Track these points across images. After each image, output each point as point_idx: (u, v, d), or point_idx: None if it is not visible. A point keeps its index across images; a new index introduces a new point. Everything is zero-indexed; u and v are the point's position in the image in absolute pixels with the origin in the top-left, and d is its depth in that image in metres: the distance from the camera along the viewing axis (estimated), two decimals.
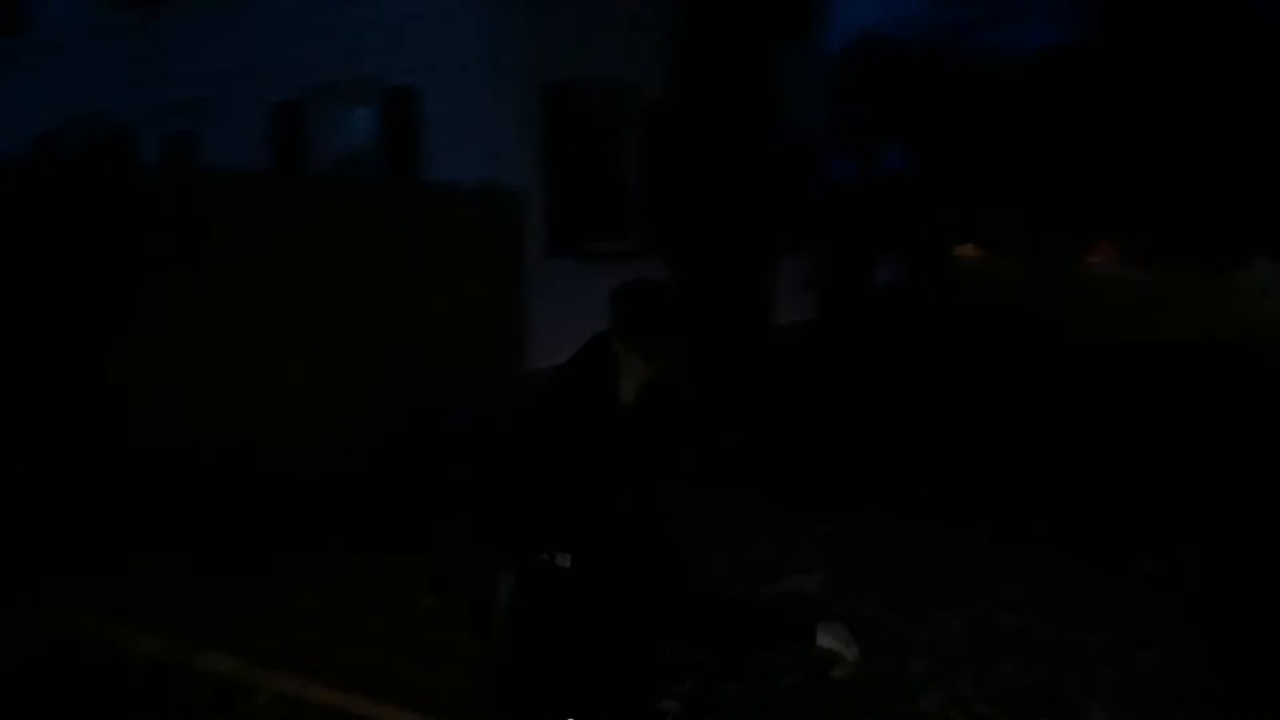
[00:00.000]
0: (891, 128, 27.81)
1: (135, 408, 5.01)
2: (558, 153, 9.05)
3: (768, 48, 10.85)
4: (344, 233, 6.46)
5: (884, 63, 26.79)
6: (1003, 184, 25.01)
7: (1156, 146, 21.44)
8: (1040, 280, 23.48)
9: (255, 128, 9.81)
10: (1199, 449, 6.66)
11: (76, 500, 4.47)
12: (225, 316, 5.62)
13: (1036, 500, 5.21)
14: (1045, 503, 5.15)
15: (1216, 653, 3.42)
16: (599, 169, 9.81)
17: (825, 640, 3.19)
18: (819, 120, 14.75)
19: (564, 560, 2.83)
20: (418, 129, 8.99)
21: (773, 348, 10.50)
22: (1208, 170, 20.83)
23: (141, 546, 4.23)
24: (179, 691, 3.04)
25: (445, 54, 8.78)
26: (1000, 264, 27.73)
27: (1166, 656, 3.37)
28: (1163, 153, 21.19)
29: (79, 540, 4.12)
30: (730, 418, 7.82)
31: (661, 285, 3.86)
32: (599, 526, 2.89)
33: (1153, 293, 21.10)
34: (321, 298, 6.19)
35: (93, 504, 4.45)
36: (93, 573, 3.99)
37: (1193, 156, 20.51)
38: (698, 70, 10.48)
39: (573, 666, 2.72)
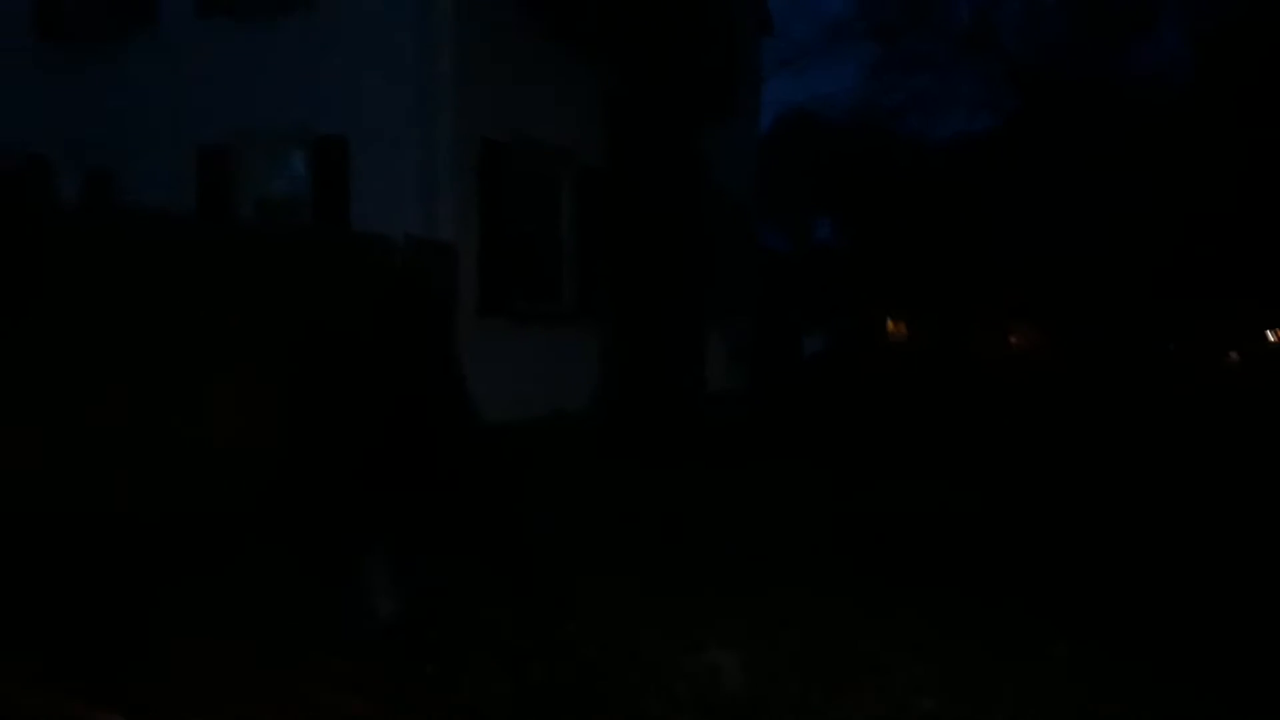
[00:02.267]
0: (819, 203, 28.65)
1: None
2: (491, 212, 9.03)
3: (698, 122, 11.15)
4: (263, 278, 6.31)
5: (813, 140, 27.67)
6: (920, 265, 25.77)
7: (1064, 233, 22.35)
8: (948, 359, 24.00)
9: (181, 168, 9.59)
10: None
11: None
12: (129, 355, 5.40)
13: (949, 577, 5.24)
14: (958, 581, 5.18)
15: None
16: (532, 230, 9.83)
17: None
18: (749, 193, 15.11)
19: None
20: (347, 179, 8.89)
21: (703, 413, 10.60)
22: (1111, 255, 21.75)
23: None
24: None
25: (378, 105, 8.76)
26: (916, 342, 28.49)
27: None
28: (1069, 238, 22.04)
29: None
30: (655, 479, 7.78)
31: None
32: None
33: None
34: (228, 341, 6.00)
35: None
36: None
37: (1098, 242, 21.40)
38: (629, 140, 10.71)
39: None
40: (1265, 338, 25.83)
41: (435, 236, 8.21)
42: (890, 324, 29.79)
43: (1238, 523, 6.78)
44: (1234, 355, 25.63)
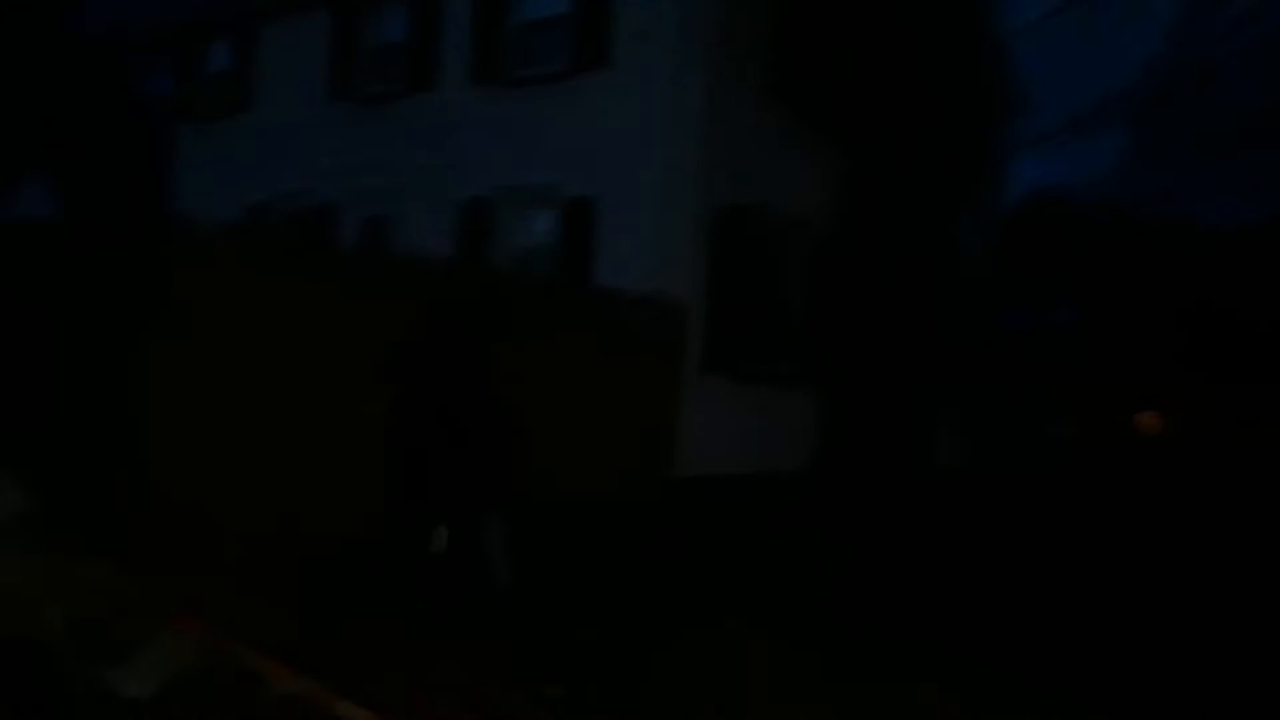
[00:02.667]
0: (1066, 285, 27.07)
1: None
2: (723, 273, 9.21)
3: (943, 198, 10.92)
4: (517, 325, 6.70)
5: (1065, 220, 26.26)
6: (1177, 353, 23.76)
7: None
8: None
9: (444, 219, 10.45)
10: None
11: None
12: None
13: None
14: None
15: None
16: (761, 293, 9.91)
17: None
18: (992, 270, 14.52)
19: None
20: (592, 237, 9.35)
21: (927, 487, 10.18)
22: None
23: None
24: None
25: (627, 170, 9.17)
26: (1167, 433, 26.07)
27: None
28: None
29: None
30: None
31: None
32: None
33: None
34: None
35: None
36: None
37: None
38: (869, 213, 10.64)
39: None
40: None
41: (668, 294, 8.46)
42: (1143, 415, 27.51)
43: None
44: None
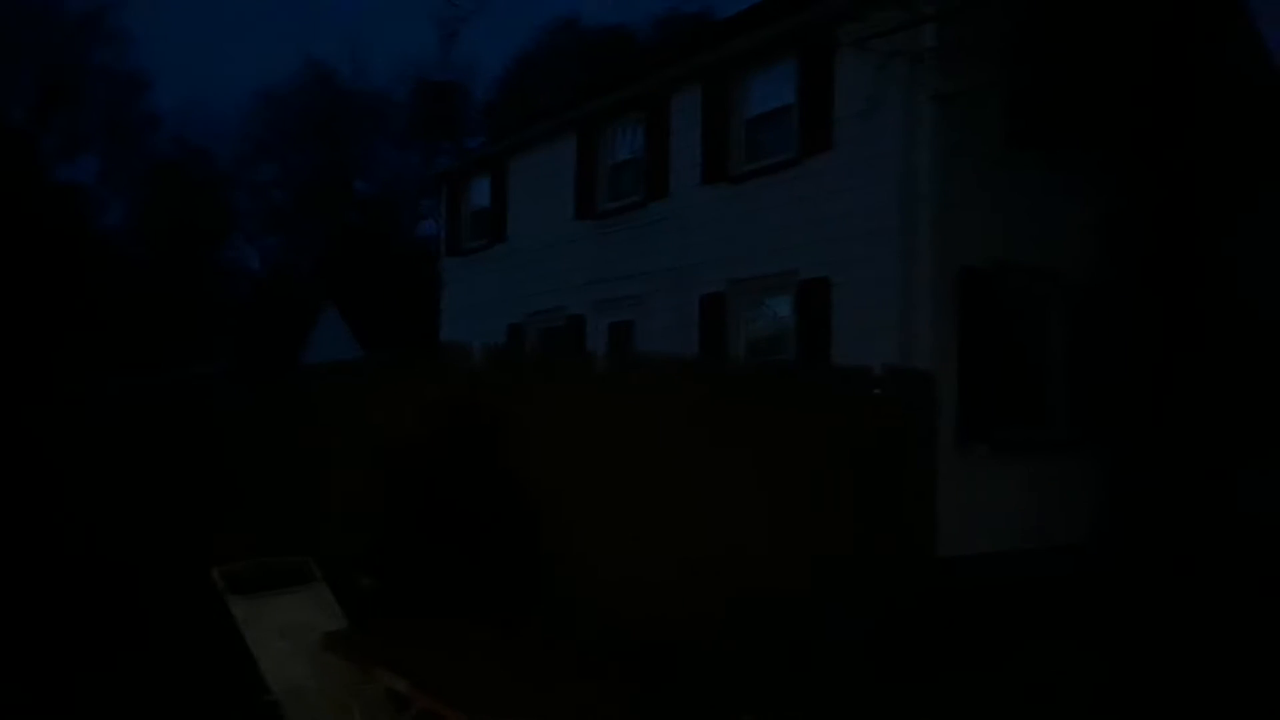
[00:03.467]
0: None
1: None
2: (972, 339, 8.85)
3: (1211, 231, 9.90)
4: (759, 414, 6.82)
5: None
6: None
7: None
8: None
9: (684, 316, 10.85)
10: None
11: None
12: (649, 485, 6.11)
13: None
14: None
15: None
16: (1015, 355, 9.40)
17: None
18: None
19: None
20: (829, 317, 9.33)
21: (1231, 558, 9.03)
22: None
23: None
24: None
25: (860, 246, 9.13)
26: None
27: None
28: None
29: None
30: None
31: None
32: None
33: None
34: (734, 471, 6.52)
35: None
36: None
37: None
38: (1131, 257, 9.81)
39: None
40: None
41: (913, 366, 8.24)
42: None
43: None
44: None
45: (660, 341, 10.66)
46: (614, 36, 29.28)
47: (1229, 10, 11.02)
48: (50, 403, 9.66)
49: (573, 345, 12.30)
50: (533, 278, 13.54)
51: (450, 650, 3.48)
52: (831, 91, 9.54)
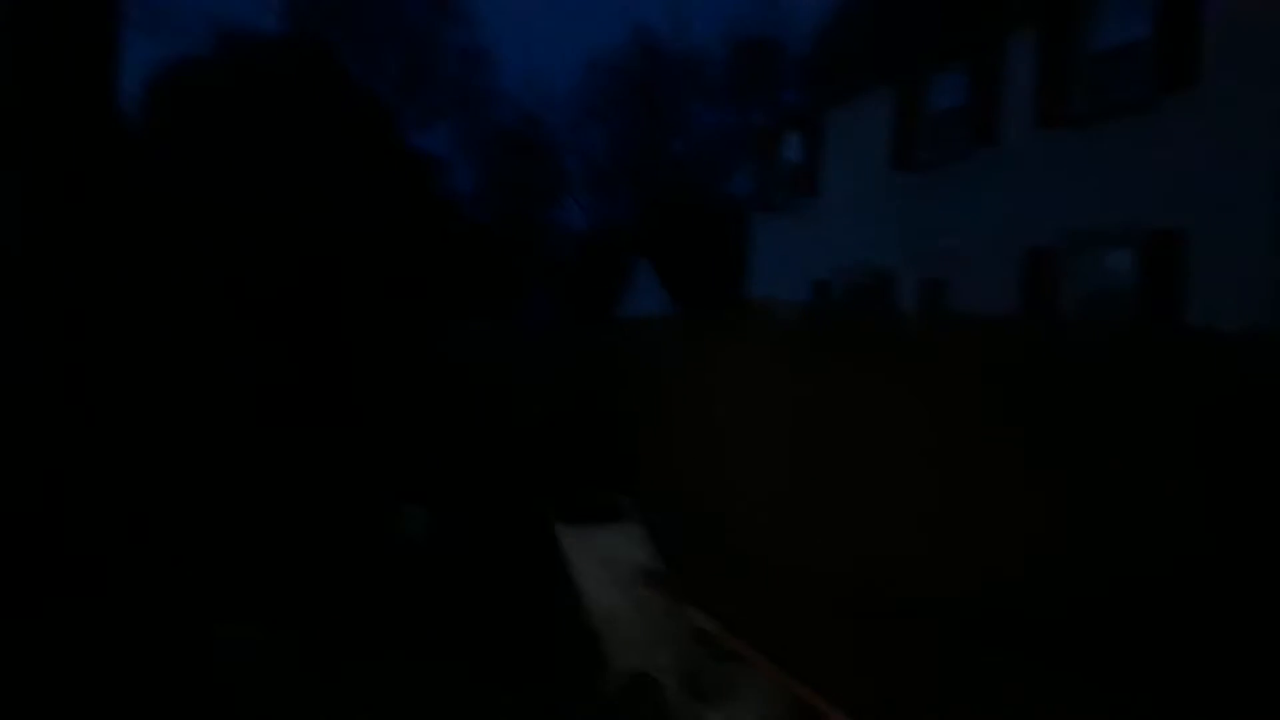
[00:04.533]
0: None
1: None
2: None
3: None
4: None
5: None
6: None
7: None
8: None
9: (1005, 272, 10.15)
10: None
11: None
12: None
13: None
14: None
15: None
16: None
17: None
18: None
19: None
20: (1180, 274, 8.33)
21: None
22: None
23: None
24: None
25: (1221, 194, 8.04)
26: None
27: None
28: None
29: None
30: None
31: None
32: None
33: None
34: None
35: None
36: None
37: None
38: None
39: None
40: None
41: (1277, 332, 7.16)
42: None
43: None
44: None
45: (978, 300, 10.07)
46: None
47: None
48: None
49: (881, 304, 11.94)
50: (842, 233, 13.28)
51: (753, 599, 3.58)
52: (1198, 19, 8.41)
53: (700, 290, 19.74)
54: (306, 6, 29.53)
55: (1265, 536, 5.38)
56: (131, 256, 5.80)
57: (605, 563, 3.62)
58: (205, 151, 6.86)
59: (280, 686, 4.01)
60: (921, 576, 5.45)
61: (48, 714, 3.07)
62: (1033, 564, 5.73)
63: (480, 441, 7.71)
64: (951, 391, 5.88)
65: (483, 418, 7.97)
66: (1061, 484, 5.99)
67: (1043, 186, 9.93)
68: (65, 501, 3.70)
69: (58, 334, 4.07)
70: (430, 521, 5.31)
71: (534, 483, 6.56)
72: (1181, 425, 5.91)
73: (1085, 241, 9.46)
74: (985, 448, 5.86)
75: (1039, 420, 6.08)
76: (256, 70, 7.72)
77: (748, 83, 33.73)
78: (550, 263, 35.28)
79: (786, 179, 15.34)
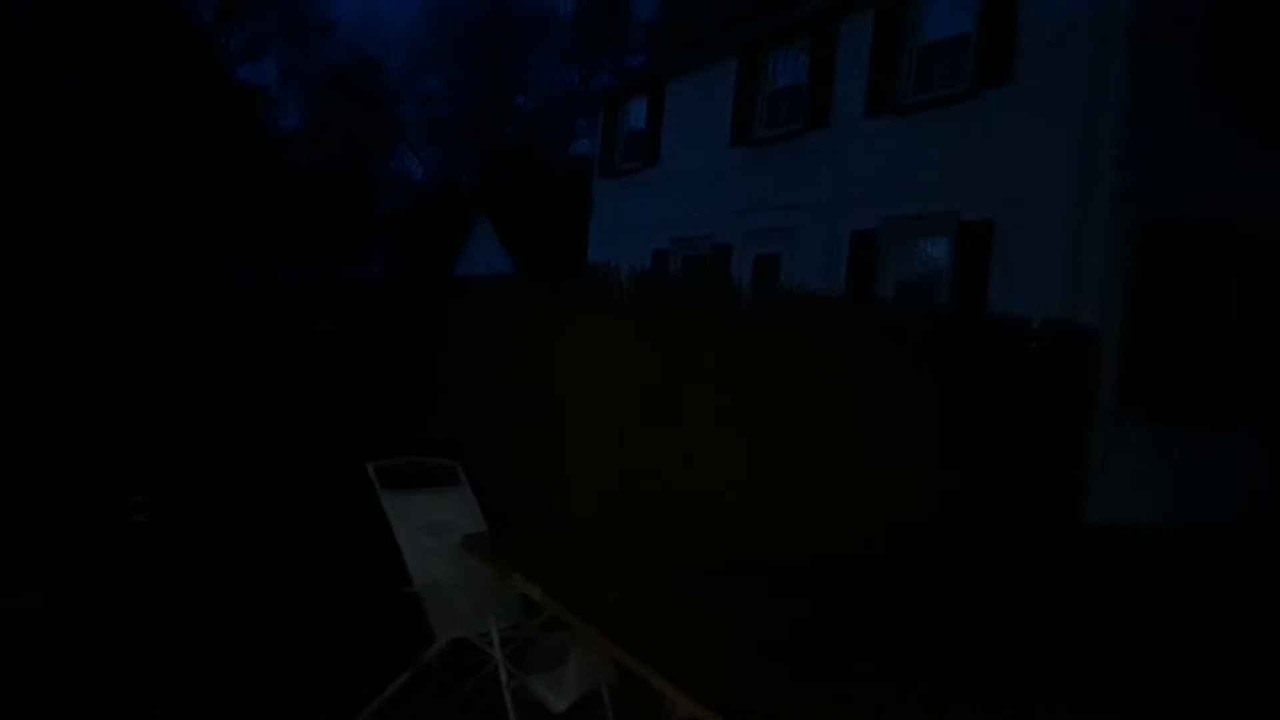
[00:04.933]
0: None
1: None
2: (1144, 295, 8.28)
3: None
4: (906, 361, 6.63)
5: None
6: None
7: None
8: None
9: (832, 254, 10.59)
10: None
11: None
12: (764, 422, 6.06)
13: None
14: None
15: None
16: (1187, 316, 8.74)
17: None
18: None
19: None
20: (988, 262, 8.92)
21: None
22: None
23: None
24: None
25: (1029, 190, 8.64)
26: None
27: None
28: None
29: None
30: None
31: None
32: None
33: None
34: (878, 419, 6.39)
35: None
36: None
37: None
38: None
39: None
40: None
41: (1076, 320, 7.80)
42: None
43: None
44: None
45: (807, 277, 10.43)
46: None
47: None
48: (204, 288, 10.25)
49: (718, 276, 12.21)
50: (682, 204, 13.45)
51: (577, 564, 3.59)
52: (1015, 19, 8.95)
53: (540, 252, 19.58)
54: None
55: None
56: None
57: (430, 528, 3.53)
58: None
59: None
60: (744, 538, 5.67)
61: None
62: (845, 518, 6.06)
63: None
64: (780, 360, 6.13)
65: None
66: (875, 446, 6.35)
67: (868, 172, 10.38)
68: None
69: None
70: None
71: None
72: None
73: (904, 229, 9.98)
74: (809, 413, 6.15)
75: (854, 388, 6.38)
76: None
77: (595, 44, 33.49)
78: (383, 214, 34.03)
79: (629, 145, 15.38)
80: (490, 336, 6.91)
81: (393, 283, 13.77)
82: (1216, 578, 7.43)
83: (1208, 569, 7.59)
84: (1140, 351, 8.26)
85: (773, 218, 11.73)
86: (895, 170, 10.09)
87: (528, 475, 5.61)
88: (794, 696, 4.05)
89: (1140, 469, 8.09)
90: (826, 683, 4.34)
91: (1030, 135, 8.73)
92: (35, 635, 4.02)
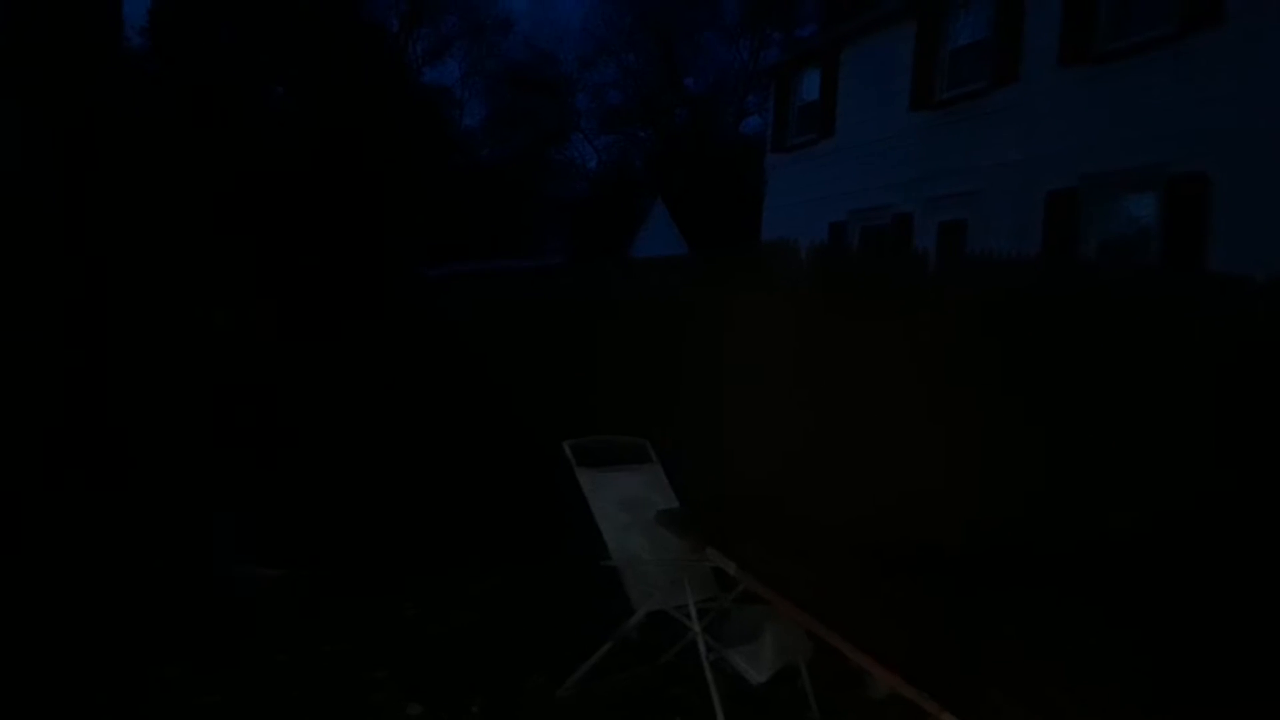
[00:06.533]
0: None
1: None
2: None
3: None
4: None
5: None
6: None
7: None
8: None
9: (1026, 217, 10.03)
10: None
11: None
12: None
13: None
14: None
15: None
16: None
17: None
18: None
19: None
20: (1203, 217, 8.22)
21: None
22: None
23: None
24: None
25: (1249, 138, 7.89)
26: None
27: None
28: None
29: None
30: None
31: None
32: None
33: None
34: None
35: None
36: None
37: None
38: None
39: None
40: None
41: None
42: None
43: None
44: None
45: (997, 243, 9.94)
46: None
47: None
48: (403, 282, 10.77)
49: (898, 247, 11.82)
50: (859, 173, 13.09)
51: (767, 540, 3.60)
52: None
53: (714, 231, 19.59)
54: None
55: None
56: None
57: (625, 504, 3.63)
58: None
59: None
60: (936, 524, 5.49)
61: None
62: (1042, 506, 5.75)
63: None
64: (968, 335, 5.87)
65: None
66: (1075, 429, 5.99)
67: (1064, 127, 9.76)
68: None
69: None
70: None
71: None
72: None
73: (1105, 185, 9.33)
74: (1003, 393, 5.86)
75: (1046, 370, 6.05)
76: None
77: (763, 15, 33.03)
78: (561, 203, 34.99)
79: (802, 118, 15.10)
80: (669, 316, 6.99)
81: (571, 268, 14.14)
82: None
83: None
84: None
85: (957, 182, 11.23)
86: (1093, 123, 9.44)
87: (708, 452, 5.66)
88: (999, 677, 3.90)
89: None
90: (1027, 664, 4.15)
91: (1246, 79, 7.96)
92: None
